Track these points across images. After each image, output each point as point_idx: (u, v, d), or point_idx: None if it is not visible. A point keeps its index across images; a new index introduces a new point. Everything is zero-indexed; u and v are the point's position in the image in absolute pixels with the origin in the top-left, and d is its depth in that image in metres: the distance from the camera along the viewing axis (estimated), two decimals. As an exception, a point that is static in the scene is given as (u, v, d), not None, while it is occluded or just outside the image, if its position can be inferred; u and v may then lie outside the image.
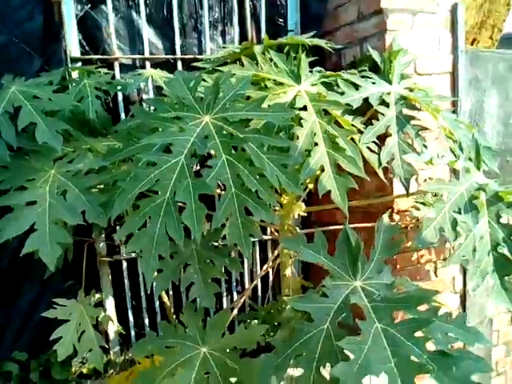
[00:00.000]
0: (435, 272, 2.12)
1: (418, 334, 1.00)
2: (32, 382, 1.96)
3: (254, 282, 1.96)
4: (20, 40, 1.87)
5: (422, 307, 1.08)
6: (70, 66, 1.84)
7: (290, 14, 2.17)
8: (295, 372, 1.13)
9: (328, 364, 1.06)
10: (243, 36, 2.15)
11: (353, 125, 1.58)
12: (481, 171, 1.48)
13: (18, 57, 1.88)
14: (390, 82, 1.75)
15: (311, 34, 1.95)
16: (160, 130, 1.28)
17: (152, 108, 1.61)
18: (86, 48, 1.94)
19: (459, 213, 1.34)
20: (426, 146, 1.60)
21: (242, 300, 1.98)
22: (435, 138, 1.99)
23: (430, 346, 1.00)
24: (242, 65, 1.66)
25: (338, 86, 1.67)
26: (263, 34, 2.11)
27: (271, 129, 1.36)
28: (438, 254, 2.12)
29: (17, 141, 1.29)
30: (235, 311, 1.77)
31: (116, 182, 1.27)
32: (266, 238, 2.33)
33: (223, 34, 2.11)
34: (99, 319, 1.90)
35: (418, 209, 1.89)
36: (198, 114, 1.31)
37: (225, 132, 1.26)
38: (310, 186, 1.75)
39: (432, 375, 0.93)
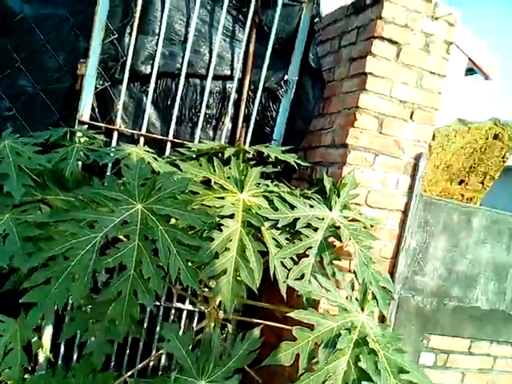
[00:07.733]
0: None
1: None
2: None
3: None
4: (47, 96, 2.29)
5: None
6: (76, 127, 2.22)
7: (277, 126, 2.47)
8: None
9: None
10: (233, 133, 2.46)
11: (275, 239, 1.81)
12: (366, 311, 1.65)
13: (42, 108, 2.30)
14: (330, 209, 1.98)
15: (288, 147, 2.26)
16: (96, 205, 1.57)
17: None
18: (97, 115, 2.31)
19: (325, 346, 1.50)
20: (334, 274, 1.79)
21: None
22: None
23: None
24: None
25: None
26: (249, 138, 2.42)
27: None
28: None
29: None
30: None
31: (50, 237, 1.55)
32: (191, 308, 2.50)
33: (215, 128, 2.44)
34: (32, 342, 2.12)
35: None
36: (133, 201, 1.59)
37: (148, 221, 1.53)
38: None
39: None
